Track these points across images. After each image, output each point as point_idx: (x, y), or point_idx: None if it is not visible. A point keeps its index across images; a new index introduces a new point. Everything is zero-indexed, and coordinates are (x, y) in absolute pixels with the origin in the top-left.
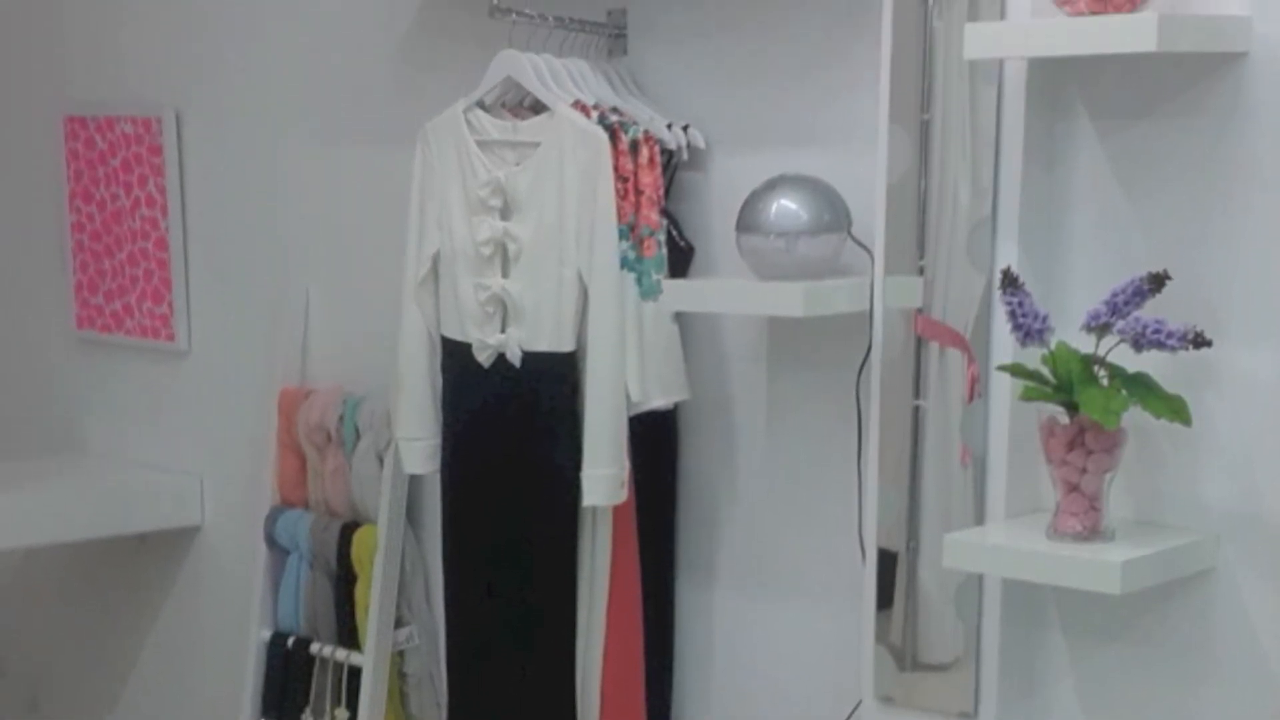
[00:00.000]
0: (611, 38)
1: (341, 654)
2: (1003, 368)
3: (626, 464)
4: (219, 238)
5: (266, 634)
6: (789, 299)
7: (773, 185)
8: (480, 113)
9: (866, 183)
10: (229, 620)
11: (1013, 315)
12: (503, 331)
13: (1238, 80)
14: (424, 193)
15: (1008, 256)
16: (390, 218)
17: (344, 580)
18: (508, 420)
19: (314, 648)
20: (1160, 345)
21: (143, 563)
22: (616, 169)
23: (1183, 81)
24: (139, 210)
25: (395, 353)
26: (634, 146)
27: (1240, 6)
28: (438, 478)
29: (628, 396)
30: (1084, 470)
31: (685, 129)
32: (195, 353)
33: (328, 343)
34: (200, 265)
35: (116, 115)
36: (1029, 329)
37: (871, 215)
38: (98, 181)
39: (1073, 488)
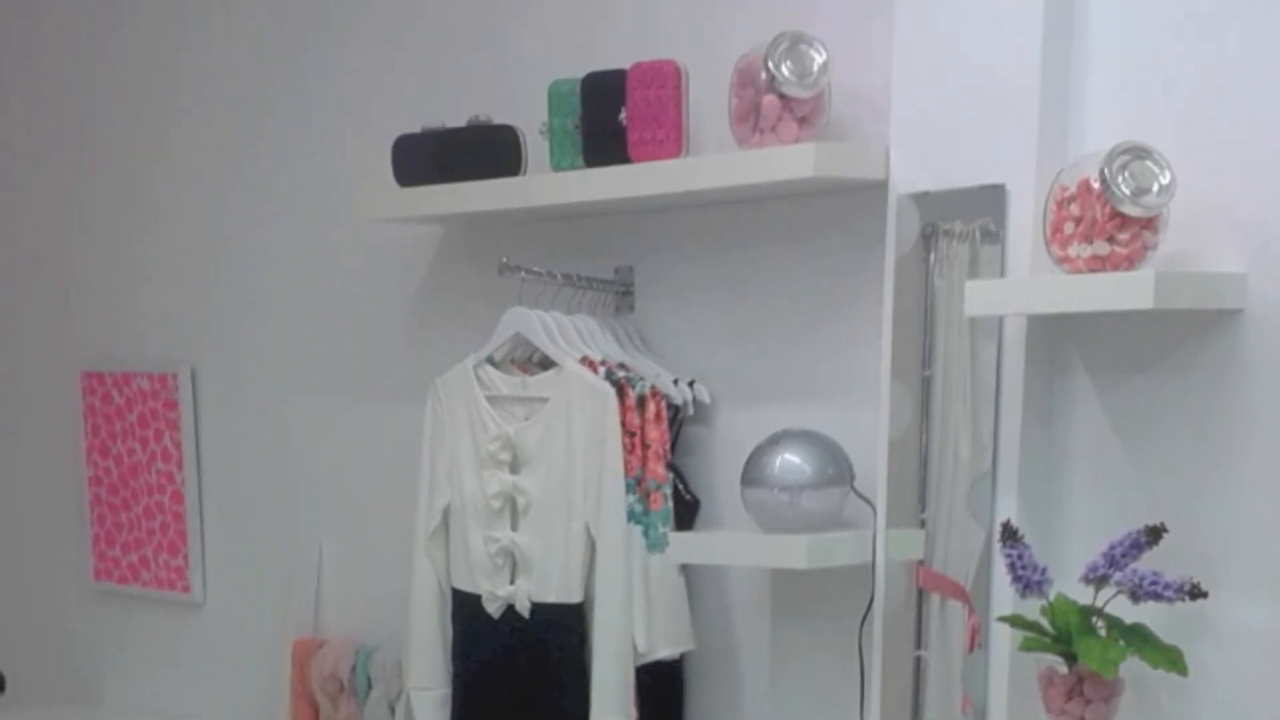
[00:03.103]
0: (619, 294)
1: None
2: (1003, 619)
3: (634, 713)
4: (234, 491)
5: None
6: (793, 551)
7: (776, 440)
8: (490, 368)
9: (869, 437)
10: None
11: (1012, 567)
12: (512, 583)
13: (1233, 336)
14: (434, 447)
15: (1007, 510)
16: (401, 472)
17: None
18: (517, 670)
19: None
20: (1157, 597)
21: None
22: (624, 424)
23: (1179, 337)
24: (155, 464)
25: (407, 604)
26: (641, 402)
27: (1236, 264)
28: None
29: (634, 647)
30: (1082, 719)
31: (691, 384)
32: (210, 604)
33: (340, 594)
34: (215, 518)
35: (133, 371)
36: (1028, 581)
37: (874, 469)
38: (115, 436)
39: None
